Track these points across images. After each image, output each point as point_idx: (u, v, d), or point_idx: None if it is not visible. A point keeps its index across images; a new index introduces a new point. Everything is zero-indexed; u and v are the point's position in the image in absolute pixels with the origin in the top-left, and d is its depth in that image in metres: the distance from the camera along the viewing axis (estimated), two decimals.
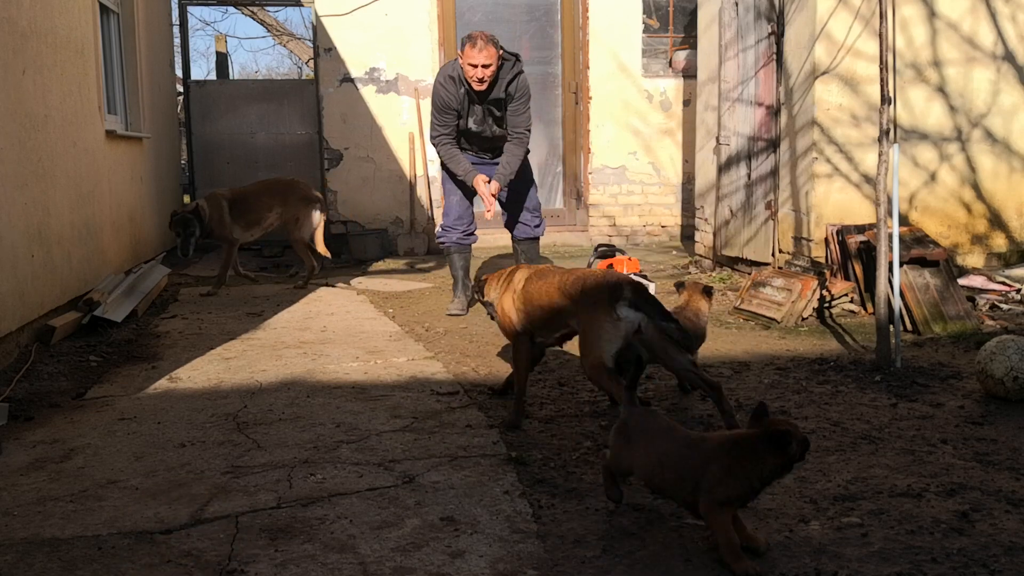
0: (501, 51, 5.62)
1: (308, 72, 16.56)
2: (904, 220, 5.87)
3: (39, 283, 5.05)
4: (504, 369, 4.61)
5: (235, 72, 19.63)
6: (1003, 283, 5.89)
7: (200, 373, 4.59)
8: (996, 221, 6.34)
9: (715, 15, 7.50)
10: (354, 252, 9.18)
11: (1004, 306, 5.58)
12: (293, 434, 3.59)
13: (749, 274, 6.58)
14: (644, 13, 9.78)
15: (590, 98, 9.72)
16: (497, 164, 5.96)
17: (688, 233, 9.45)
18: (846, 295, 5.62)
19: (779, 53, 6.48)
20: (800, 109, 6.22)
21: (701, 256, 8.05)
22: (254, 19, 16.79)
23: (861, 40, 5.98)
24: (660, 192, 9.96)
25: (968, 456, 3.22)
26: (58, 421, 3.82)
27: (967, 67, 6.18)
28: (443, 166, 6.05)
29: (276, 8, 16.29)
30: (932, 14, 6.10)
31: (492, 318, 3.96)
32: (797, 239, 6.34)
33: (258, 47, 40.89)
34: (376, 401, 4.04)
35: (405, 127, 9.46)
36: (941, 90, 6.17)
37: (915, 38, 6.10)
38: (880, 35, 4.44)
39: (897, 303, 4.43)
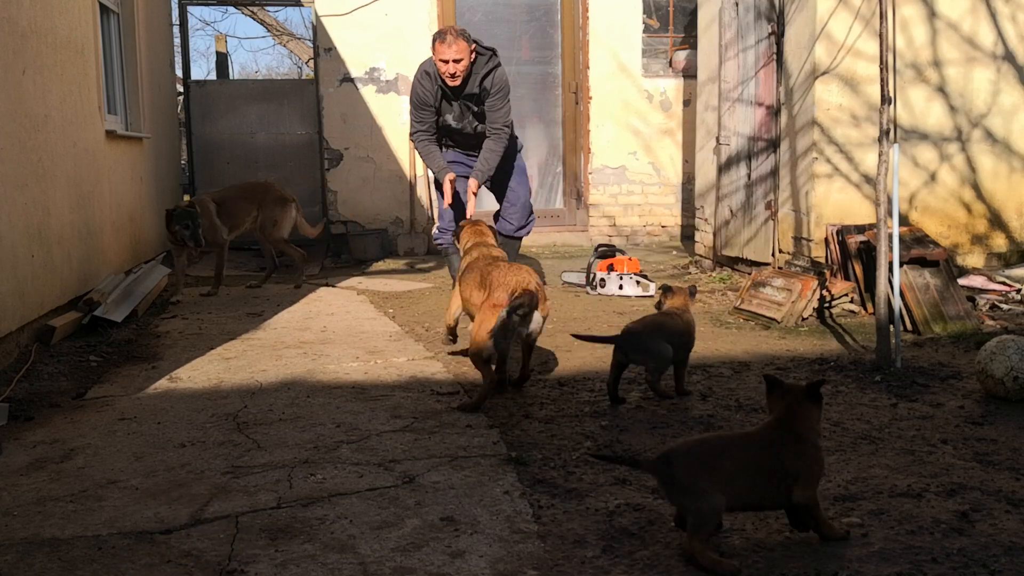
0: (474, 45, 5.54)
1: (308, 72, 16.56)
2: (904, 220, 5.87)
3: (39, 283, 5.05)
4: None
5: (235, 72, 19.62)
6: (1003, 283, 5.89)
7: (200, 373, 4.59)
8: (996, 221, 6.34)
9: (715, 15, 7.50)
10: (354, 252, 9.18)
11: (1004, 306, 5.58)
12: (293, 434, 3.59)
13: (749, 274, 6.58)
14: (644, 13, 9.78)
15: (590, 98, 9.72)
16: None
17: (688, 233, 9.45)
18: (846, 295, 5.62)
19: (779, 53, 6.48)
20: (800, 109, 6.22)
21: (701, 256, 8.05)
22: (254, 19, 16.79)
23: (861, 40, 5.98)
24: (660, 192, 9.96)
25: (968, 456, 3.22)
26: (58, 421, 3.82)
27: (967, 67, 6.18)
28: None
29: (276, 8, 16.29)
30: (932, 14, 6.10)
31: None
32: (797, 239, 6.34)
33: (258, 47, 40.91)
34: (376, 401, 4.04)
35: (405, 127, 9.44)
36: (941, 90, 6.17)
37: (915, 38, 6.10)
38: (880, 35, 4.44)
39: (897, 303, 4.43)
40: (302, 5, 9.89)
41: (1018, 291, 5.78)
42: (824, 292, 5.57)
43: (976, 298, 5.62)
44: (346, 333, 5.52)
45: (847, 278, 5.73)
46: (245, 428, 3.67)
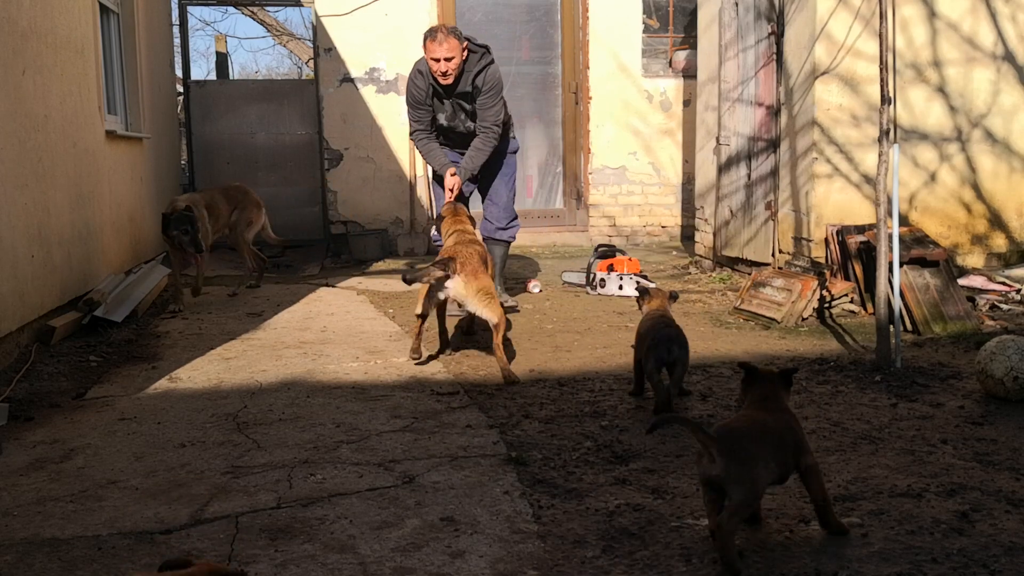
0: (466, 43, 5.50)
1: (308, 72, 16.56)
2: (904, 220, 5.87)
3: (39, 283, 5.05)
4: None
5: (235, 72, 19.61)
6: (1003, 283, 5.89)
7: (200, 373, 4.59)
8: (996, 221, 6.34)
9: (715, 15, 7.50)
10: (354, 252, 9.18)
11: (1004, 306, 5.58)
12: (293, 434, 3.59)
13: (749, 274, 6.58)
14: (644, 13, 9.78)
15: (590, 98, 9.72)
16: None
17: (688, 233, 9.45)
18: (846, 295, 5.62)
19: (779, 53, 6.48)
20: (800, 109, 6.22)
21: (701, 256, 8.05)
22: (254, 19, 16.78)
23: (861, 40, 5.98)
24: (660, 192, 9.96)
25: (968, 456, 3.22)
26: (58, 421, 3.83)
27: (967, 67, 6.18)
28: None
29: (276, 8, 16.29)
30: (932, 14, 6.10)
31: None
32: (797, 239, 6.34)
33: (258, 47, 40.87)
34: (376, 401, 4.04)
35: (405, 127, 9.42)
36: (941, 90, 6.17)
37: (915, 38, 6.10)
38: (880, 35, 4.44)
39: (897, 303, 4.43)
40: (302, 5, 9.89)
41: (1018, 291, 5.78)
42: (824, 292, 5.57)
43: (976, 298, 5.62)
44: (346, 333, 5.52)
45: (847, 278, 5.73)
46: (245, 428, 3.67)
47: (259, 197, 7.47)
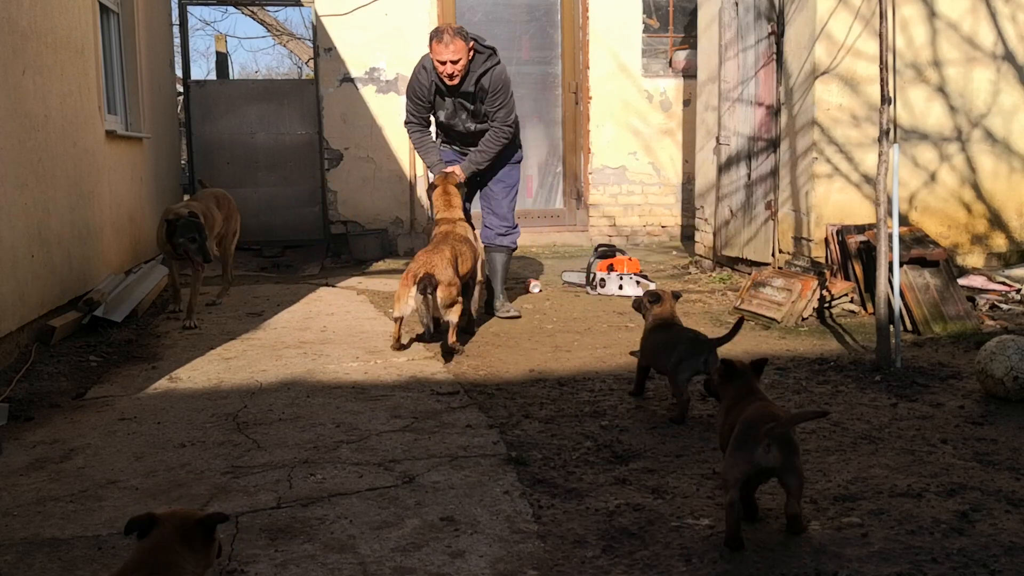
0: (472, 43, 5.48)
1: (308, 72, 16.56)
2: (904, 220, 5.87)
3: (39, 283, 5.05)
4: (503, 368, 4.62)
5: (235, 72, 19.60)
6: (1003, 283, 5.89)
7: (200, 373, 4.59)
8: (996, 221, 6.34)
9: (715, 15, 7.50)
10: (354, 252, 9.18)
11: (1004, 306, 5.58)
12: (293, 434, 3.59)
13: (749, 274, 6.58)
14: (644, 13, 9.78)
15: (590, 98, 9.72)
16: None
17: (688, 233, 9.45)
18: (846, 295, 5.62)
19: (779, 53, 6.48)
20: (800, 109, 6.22)
21: (701, 256, 8.05)
22: (254, 19, 16.78)
23: (861, 40, 5.98)
24: (660, 192, 9.96)
25: (968, 456, 3.22)
26: (58, 421, 3.82)
27: (967, 67, 6.18)
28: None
29: (276, 8, 16.29)
30: (932, 14, 6.10)
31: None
32: (797, 239, 6.34)
33: (258, 47, 40.85)
34: (376, 401, 4.04)
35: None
36: (941, 90, 6.17)
37: (915, 38, 6.10)
38: (880, 35, 4.44)
39: (897, 303, 4.43)
40: (302, 5, 9.89)
41: (1018, 291, 5.78)
42: (824, 292, 5.57)
43: (976, 298, 5.62)
44: (346, 333, 5.52)
45: (847, 278, 5.73)
46: (245, 428, 3.67)
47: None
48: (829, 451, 3.29)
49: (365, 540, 2.63)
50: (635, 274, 6.71)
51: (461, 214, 5.54)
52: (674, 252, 9.21)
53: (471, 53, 5.48)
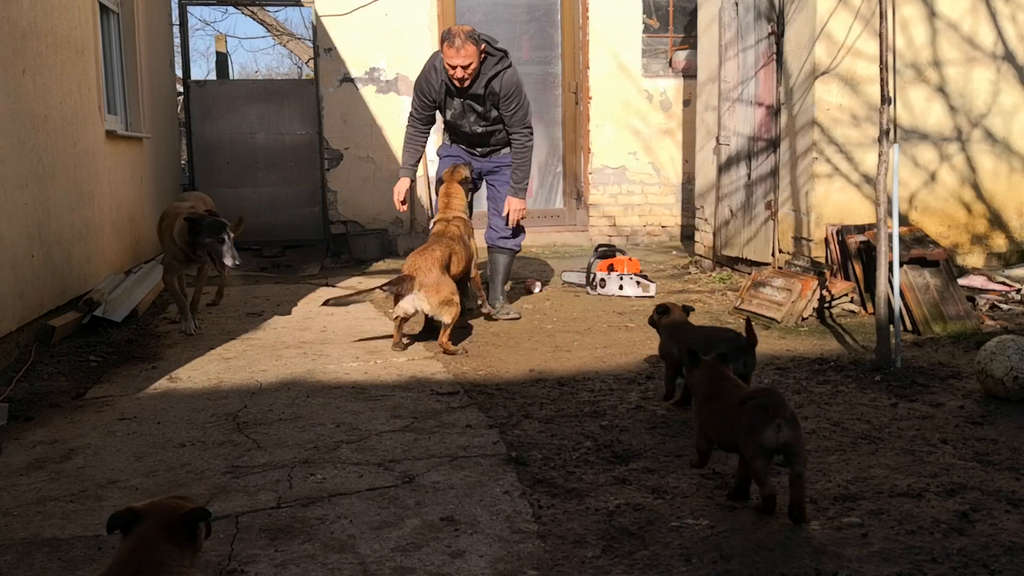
0: (483, 45, 5.48)
1: (308, 72, 16.56)
2: (904, 220, 5.87)
3: (39, 283, 5.05)
4: (503, 368, 4.62)
5: (235, 72, 19.59)
6: (1003, 283, 5.89)
7: (200, 373, 4.59)
8: (996, 221, 6.34)
9: (715, 15, 7.50)
10: (354, 252, 9.18)
11: (1004, 306, 5.58)
12: (293, 434, 3.59)
13: (749, 274, 6.58)
14: (644, 13, 9.78)
15: (590, 98, 9.72)
16: (486, 160, 5.91)
17: (688, 233, 9.45)
18: (846, 295, 5.62)
19: (779, 53, 6.48)
20: (800, 109, 6.22)
21: (701, 256, 8.05)
22: (254, 19, 16.77)
23: (861, 40, 5.98)
24: (660, 192, 9.95)
25: (968, 456, 3.22)
26: (58, 421, 3.82)
27: (967, 67, 6.18)
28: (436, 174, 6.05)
29: (276, 8, 16.28)
30: (932, 14, 6.10)
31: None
32: (797, 239, 6.34)
33: (258, 47, 40.82)
34: (376, 401, 4.04)
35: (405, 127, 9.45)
36: (941, 90, 6.17)
37: (915, 38, 6.10)
38: (880, 35, 4.44)
39: (897, 303, 4.43)
40: (302, 5, 9.89)
41: (1018, 291, 5.78)
42: (824, 292, 5.57)
43: (976, 298, 5.61)
44: (346, 333, 5.52)
45: (847, 278, 5.73)
46: (245, 428, 3.67)
47: None
48: (829, 451, 3.29)
49: (365, 540, 2.63)
50: (635, 274, 6.71)
51: (459, 213, 5.55)
52: (674, 252, 9.21)
53: (482, 56, 5.50)
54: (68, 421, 3.82)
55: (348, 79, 9.43)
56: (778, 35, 6.49)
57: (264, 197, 9.88)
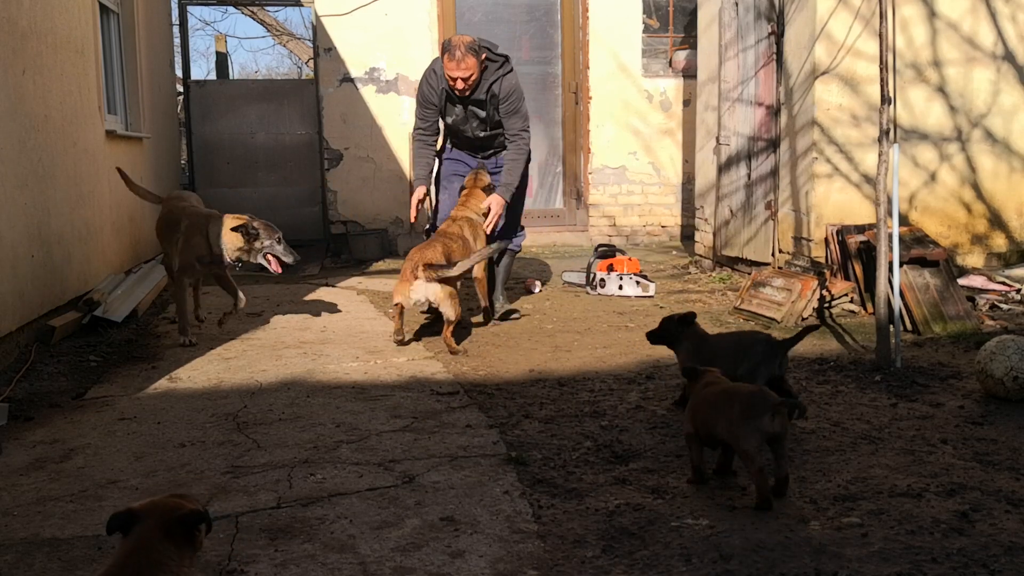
0: (484, 54, 5.49)
1: (308, 72, 16.55)
2: (904, 220, 5.87)
3: (39, 283, 5.05)
4: (503, 368, 4.62)
5: (235, 72, 19.58)
6: (1003, 283, 5.89)
7: (200, 373, 4.59)
8: (996, 221, 6.34)
9: (715, 15, 7.50)
10: (354, 252, 9.18)
11: (1004, 306, 5.58)
12: (293, 434, 3.59)
13: (749, 274, 6.58)
14: (644, 13, 9.78)
15: (590, 98, 9.72)
16: (488, 163, 5.90)
17: (688, 233, 9.45)
18: (846, 295, 5.62)
19: (779, 53, 6.48)
20: (800, 109, 6.22)
21: (701, 256, 8.05)
22: (254, 19, 16.77)
23: (861, 40, 5.98)
24: (660, 192, 9.95)
25: (968, 456, 3.22)
26: (58, 421, 3.82)
27: (967, 67, 6.18)
28: (438, 171, 6.04)
29: (276, 8, 16.28)
30: (932, 14, 6.10)
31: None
32: (797, 239, 6.34)
33: (258, 47, 40.83)
34: (376, 401, 4.04)
35: (405, 127, 9.45)
36: (941, 90, 6.17)
37: (915, 38, 6.10)
38: (880, 35, 4.44)
39: (897, 303, 4.43)
40: (302, 5, 9.88)
41: (1018, 291, 5.78)
42: (824, 292, 5.57)
43: (976, 298, 5.61)
44: (346, 333, 5.52)
45: (847, 278, 5.73)
46: (245, 428, 3.67)
47: None
48: (829, 451, 3.29)
49: (365, 540, 2.63)
50: (635, 274, 6.71)
51: (468, 213, 5.54)
52: (674, 252, 9.21)
53: (483, 65, 5.50)
54: (68, 421, 3.82)
55: (348, 79, 9.43)
56: (778, 35, 6.49)
57: (264, 197, 9.88)
